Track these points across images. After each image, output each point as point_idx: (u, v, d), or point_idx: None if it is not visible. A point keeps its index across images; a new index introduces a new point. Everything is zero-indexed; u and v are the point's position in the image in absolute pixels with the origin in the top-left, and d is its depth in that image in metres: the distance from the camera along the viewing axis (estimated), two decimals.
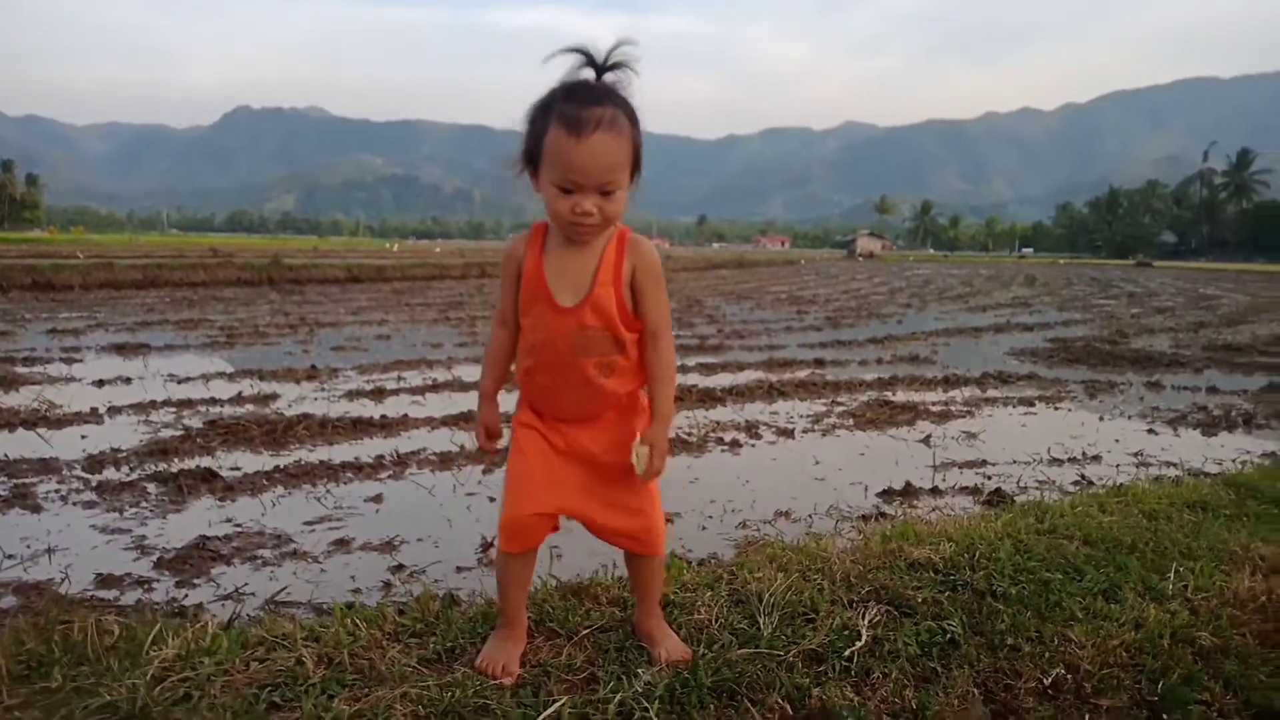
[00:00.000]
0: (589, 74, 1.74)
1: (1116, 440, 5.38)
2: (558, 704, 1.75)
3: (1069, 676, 2.00)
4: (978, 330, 12.41)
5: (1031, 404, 6.55)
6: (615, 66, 1.73)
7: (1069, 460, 4.82)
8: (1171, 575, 2.50)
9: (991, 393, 7.00)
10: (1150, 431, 5.68)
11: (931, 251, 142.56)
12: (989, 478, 4.42)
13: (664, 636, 2.04)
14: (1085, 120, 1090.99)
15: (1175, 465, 4.74)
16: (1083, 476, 4.46)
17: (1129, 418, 6.16)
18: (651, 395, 1.89)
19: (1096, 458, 4.89)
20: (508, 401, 2.02)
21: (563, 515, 1.94)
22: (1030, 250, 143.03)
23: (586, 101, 1.68)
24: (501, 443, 2.01)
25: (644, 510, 1.93)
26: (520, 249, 1.87)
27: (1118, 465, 4.73)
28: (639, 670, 1.91)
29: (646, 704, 1.77)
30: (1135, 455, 4.99)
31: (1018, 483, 4.32)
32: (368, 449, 4.68)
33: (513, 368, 2.00)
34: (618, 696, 1.79)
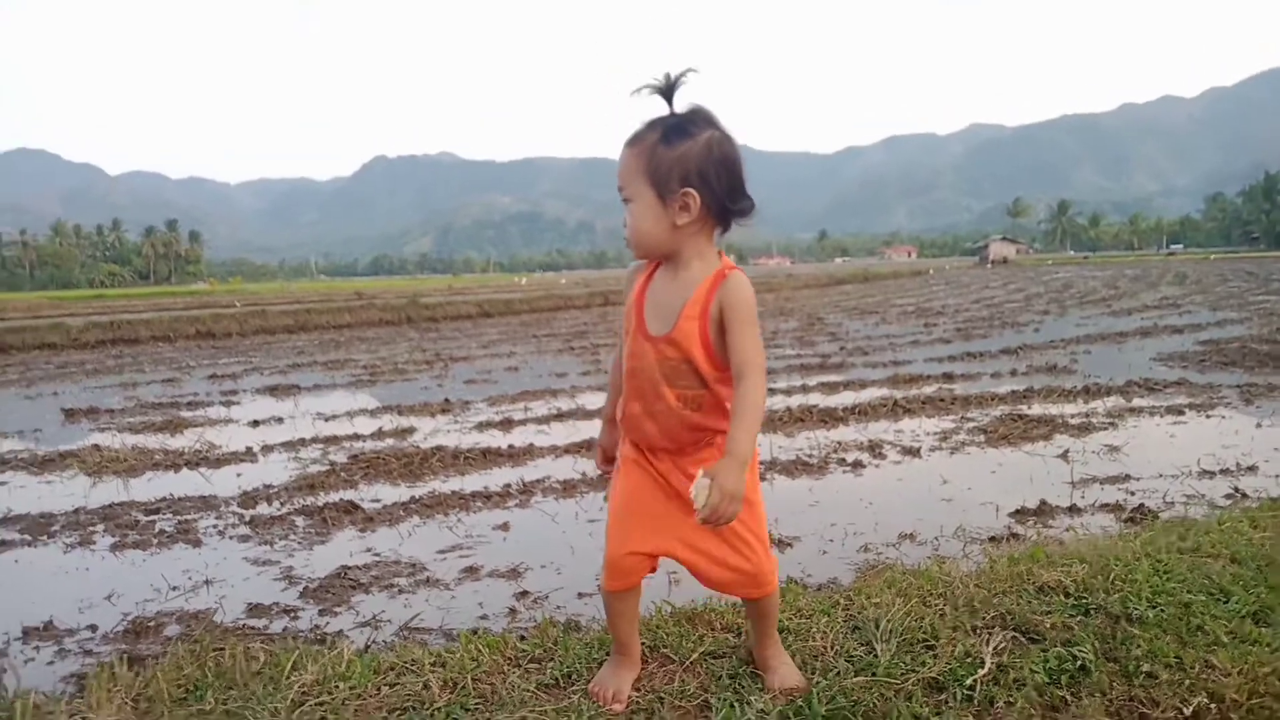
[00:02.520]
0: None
1: (1276, 449, 4.96)
2: None
3: (1212, 706, 1.87)
4: (1122, 335, 11.71)
5: (1181, 412, 6.13)
6: (675, 87, 1.77)
7: (1221, 472, 4.49)
8: None
9: (1137, 402, 6.59)
10: None
11: (1071, 253, 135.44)
12: (1132, 494, 4.17)
13: (780, 664, 2.03)
14: (1233, 103, 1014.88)
15: None
16: (1236, 489, 4.15)
17: None
18: (730, 431, 1.75)
19: (1252, 468, 4.53)
20: None
21: (663, 555, 1.94)
22: (1179, 246, 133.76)
23: (642, 126, 1.80)
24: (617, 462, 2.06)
25: (744, 554, 1.90)
26: (634, 275, 1.93)
27: (1276, 476, 4.37)
28: (752, 698, 1.91)
29: None
30: None
31: (1164, 498, 4.06)
32: (496, 478, 4.85)
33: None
34: None
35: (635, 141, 1.78)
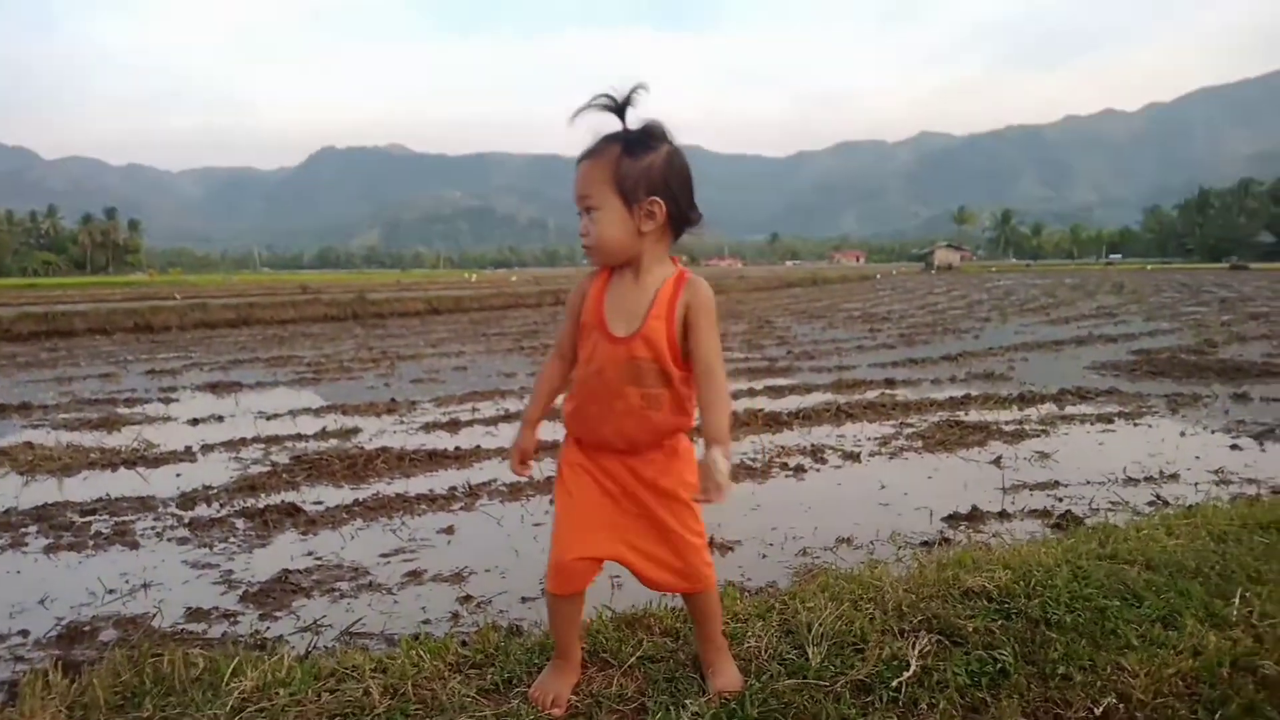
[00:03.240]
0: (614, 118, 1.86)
1: (1197, 457, 5.20)
2: None
3: (1120, 706, 1.98)
4: (1058, 344, 12.09)
5: (1110, 421, 6.37)
6: (629, 104, 1.85)
7: (1145, 480, 4.69)
8: (1236, 601, 2.43)
9: (1069, 410, 6.83)
10: (1234, 447, 5.48)
11: (1014, 261, 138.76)
12: (1060, 500, 4.34)
13: (722, 666, 2.09)
14: (1172, 119, 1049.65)
15: (1257, 483, 4.57)
16: (1158, 496, 4.34)
17: (1212, 432, 5.95)
18: (705, 423, 1.88)
19: (1174, 476, 4.75)
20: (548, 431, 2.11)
21: (608, 560, 2.00)
22: (1118, 256, 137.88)
23: (598, 141, 1.88)
24: (532, 470, 2.12)
25: (685, 553, 1.98)
26: (586, 283, 1.99)
27: (1196, 484, 4.58)
28: (687, 701, 1.97)
29: None
30: (1216, 473, 4.82)
31: (1090, 504, 4.23)
32: (442, 481, 4.85)
33: (558, 402, 2.10)
34: None
35: (595, 155, 1.86)
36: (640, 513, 1.97)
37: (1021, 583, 2.55)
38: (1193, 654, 2.13)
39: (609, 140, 1.86)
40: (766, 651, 2.20)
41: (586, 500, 1.97)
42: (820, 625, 2.28)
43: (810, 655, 2.15)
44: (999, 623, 2.33)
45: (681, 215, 1.90)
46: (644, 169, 1.83)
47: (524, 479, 2.12)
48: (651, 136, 1.86)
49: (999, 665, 2.12)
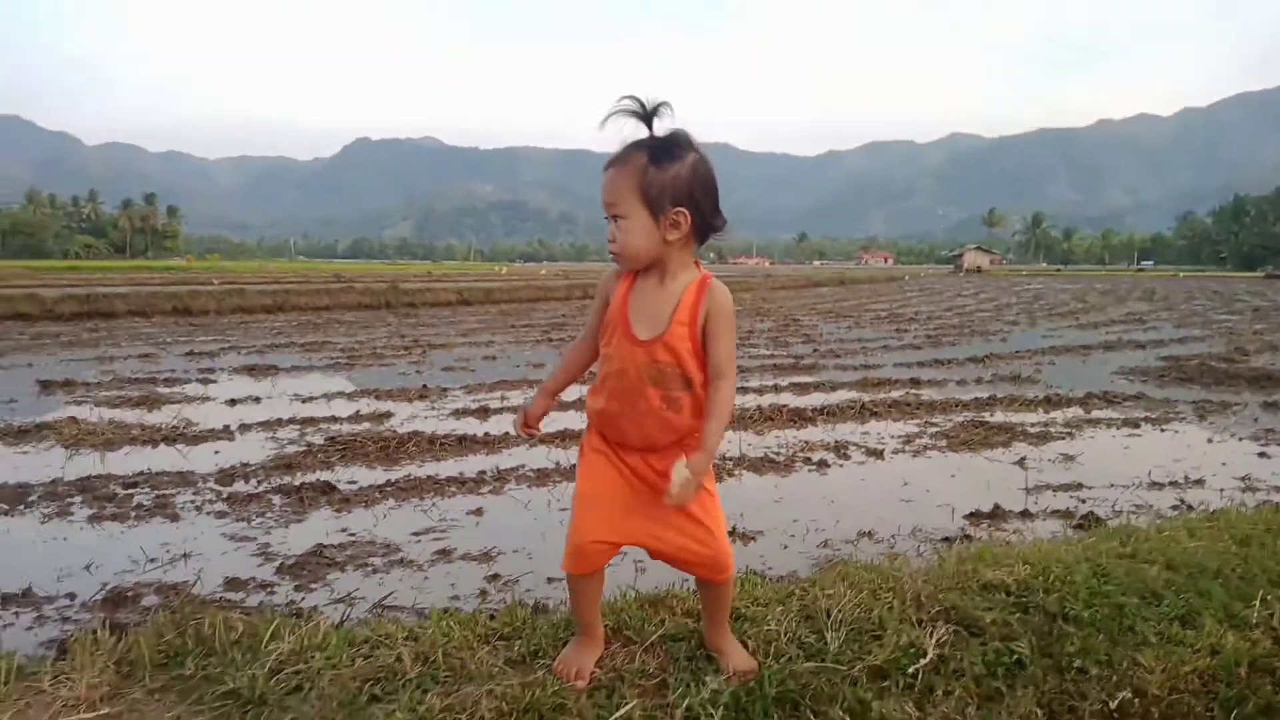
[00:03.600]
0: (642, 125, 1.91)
1: (1223, 464, 5.18)
2: (629, 706, 1.90)
3: (1136, 701, 2.02)
4: (1087, 348, 11.98)
5: (1137, 425, 6.34)
6: (657, 115, 1.90)
7: (1170, 484, 4.69)
8: (1257, 603, 2.45)
9: (1095, 414, 6.81)
10: (1262, 454, 5.45)
11: (1044, 266, 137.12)
12: (1083, 501, 4.35)
13: (731, 650, 2.16)
14: (1207, 124, 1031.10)
15: None
16: (1182, 501, 4.34)
17: (1240, 440, 5.91)
18: (704, 428, 1.94)
19: (1199, 481, 4.74)
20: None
21: (626, 545, 2.07)
22: (1150, 263, 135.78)
23: (624, 148, 1.91)
24: (537, 433, 2.21)
25: (706, 540, 2.03)
26: (613, 280, 2.04)
27: (1221, 490, 4.57)
28: (707, 678, 2.03)
29: (712, 710, 1.89)
30: (1242, 479, 4.80)
31: (1113, 507, 4.24)
32: (471, 465, 4.95)
33: (582, 396, 2.17)
34: (685, 702, 1.92)
35: (622, 163, 1.89)
36: (649, 508, 2.01)
37: (1040, 578, 2.58)
38: (1210, 653, 2.16)
39: (635, 148, 1.89)
40: (785, 635, 2.25)
41: (607, 486, 2.03)
42: (839, 612, 2.33)
43: (829, 640, 2.20)
44: (1016, 616, 2.36)
45: (706, 223, 1.94)
46: (670, 179, 1.86)
47: (530, 436, 2.19)
48: (677, 145, 1.88)
49: (1015, 657, 2.16)
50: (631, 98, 1.88)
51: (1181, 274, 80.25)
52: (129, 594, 3.03)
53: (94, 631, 2.23)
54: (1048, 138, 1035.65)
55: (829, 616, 2.31)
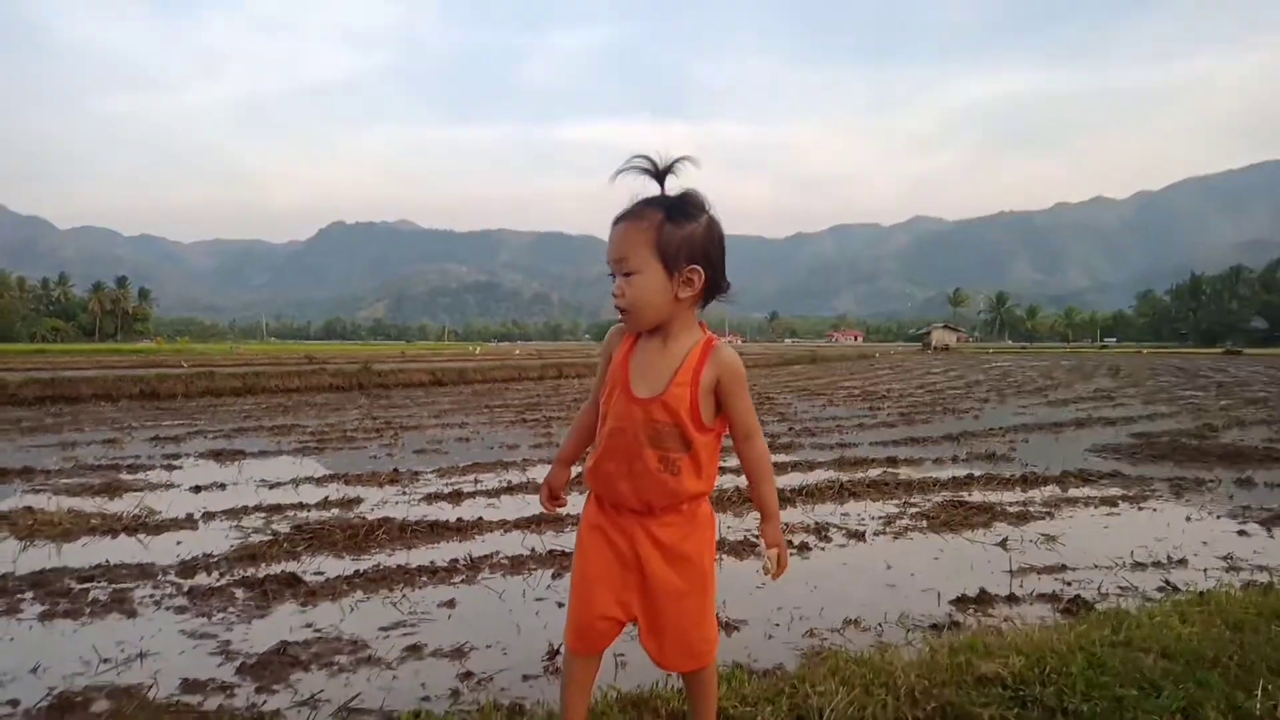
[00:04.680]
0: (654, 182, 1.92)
1: (1204, 542, 5.15)
2: None
3: None
4: (1058, 425, 12.06)
5: (1114, 504, 6.32)
6: (669, 173, 1.90)
7: (1153, 564, 4.63)
8: (1259, 694, 2.39)
9: (1073, 492, 6.79)
10: (1241, 533, 5.42)
11: (1010, 343, 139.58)
12: (1068, 584, 4.28)
13: None
14: (1160, 207, 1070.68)
15: (1268, 570, 4.51)
16: (1167, 582, 4.28)
17: (1218, 517, 5.90)
18: (757, 495, 2.03)
19: (1183, 561, 4.69)
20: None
21: (629, 620, 1.99)
22: (1113, 340, 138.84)
23: (636, 204, 1.91)
24: (561, 509, 2.14)
25: (686, 626, 1.96)
26: (616, 338, 2.02)
27: (1205, 570, 4.53)
28: None
29: None
30: (1225, 558, 4.76)
31: (1099, 589, 4.17)
32: (443, 553, 4.80)
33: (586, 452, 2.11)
34: None
35: (636, 218, 1.88)
36: (642, 583, 1.95)
37: (1036, 669, 2.51)
38: None
39: (649, 205, 1.89)
40: None
41: (604, 560, 1.97)
42: (832, 711, 2.24)
43: None
44: (1015, 711, 2.28)
45: (715, 284, 1.95)
46: (686, 236, 1.87)
47: (552, 513, 2.13)
48: (692, 204, 1.90)
49: None
50: (644, 157, 1.89)
51: (1145, 350, 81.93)
52: (78, 699, 2.84)
53: None
54: (1008, 220, 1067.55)
55: (821, 716, 2.22)
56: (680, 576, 1.95)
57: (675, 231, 1.87)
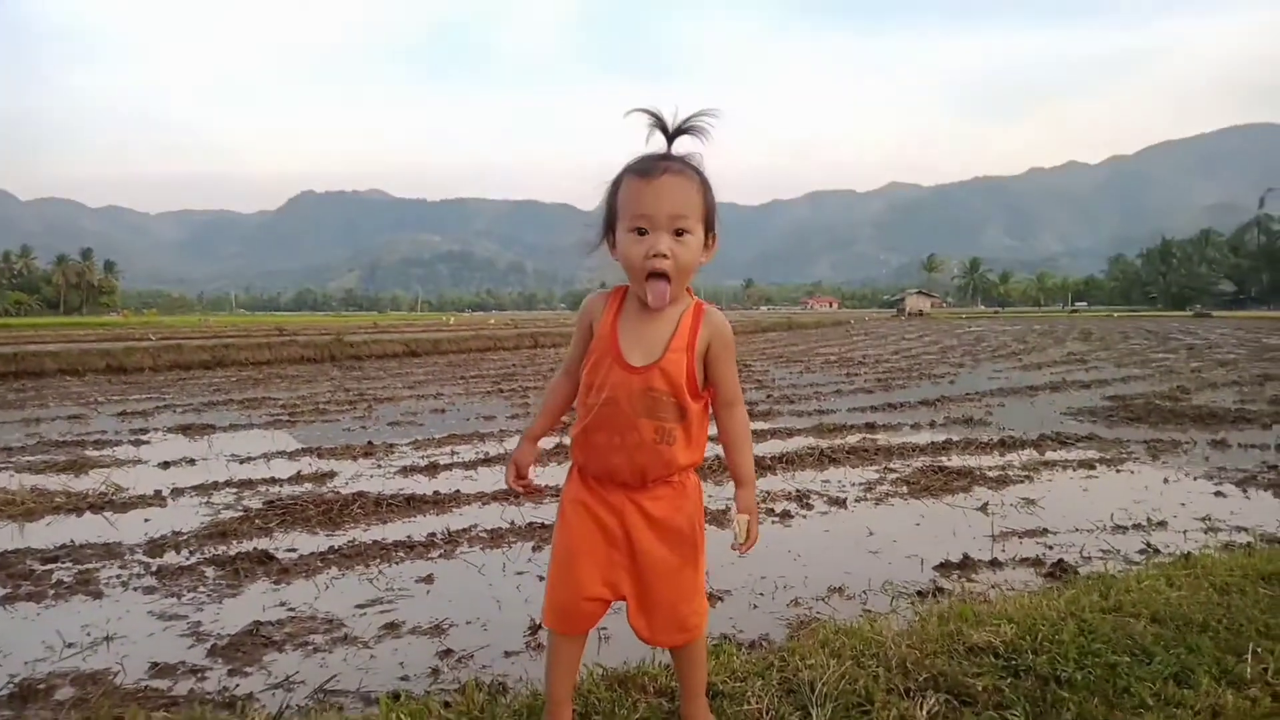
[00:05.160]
0: (659, 139, 1.81)
1: (1182, 504, 5.17)
2: None
3: None
4: (1033, 389, 12.13)
5: (1092, 466, 6.35)
6: (686, 131, 1.79)
7: (1134, 527, 4.64)
8: (1249, 657, 2.37)
9: (1050, 455, 6.81)
10: (1218, 494, 5.46)
11: (983, 308, 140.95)
12: (1050, 548, 4.27)
13: None
14: (1133, 172, 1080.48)
15: (1246, 531, 4.53)
16: (1149, 544, 4.29)
17: (1194, 479, 5.93)
18: (734, 462, 1.96)
19: (1162, 523, 4.70)
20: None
21: (616, 600, 1.91)
22: (1084, 304, 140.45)
23: (656, 158, 1.79)
24: (531, 482, 2.02)
25: (676, 600, 1.90)
26: (598, 305, 1.90)
27: (1184, 531, 4.54)
28: None
29: None
30: (1203, 520, 4.78)
31: (1081, 552, 4.17)
32: (420, 527, 4.71)
33: (567, 440, 2.01)
34: None
35: (682, 174, 1.77)
36: (631, 560, 1.88)
37: (1028, 638, 2.47)
38: (1211, 714, 2.06)
39: (687, 164, 1.79)
40: (768, 713, 2.10)
41: (590, 537, 1.88)
42: (823, 684, 2.19)
43: (814, 717, 2.05)
44: (1008, 681, 2.24)
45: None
46: (713, 204, 1.82)
47: (519, 493, 2.00)
48: (700, 170, 1.82)
49: None
50: (655, 112, 1.79)
51: (1115, 314, 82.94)
52: (40, 686, 2.73)
53: None
54: (982, 186, 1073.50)
55: (813, 690, 2.16)
56: (672, 550, 1.87)
57: (710, 198, 1.81)
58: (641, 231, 1.75)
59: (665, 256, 1.74)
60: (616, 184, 1.82)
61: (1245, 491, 5.52)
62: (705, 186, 1.80)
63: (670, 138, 1.79)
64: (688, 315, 1.85)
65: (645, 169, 1.76)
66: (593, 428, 1.86)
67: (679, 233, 1.75)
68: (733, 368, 1.92)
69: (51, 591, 3.68)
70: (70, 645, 3.11)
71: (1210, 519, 4.81)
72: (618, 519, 1.87)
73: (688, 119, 1.78)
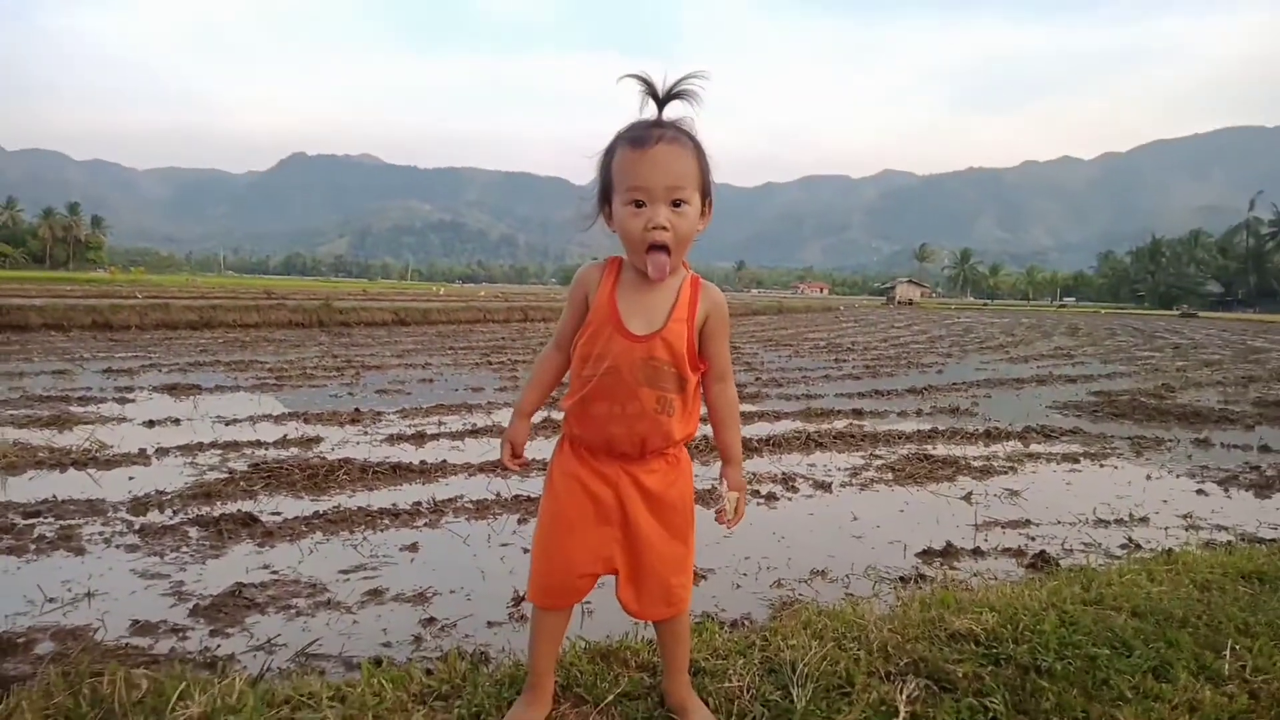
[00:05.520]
0: (651, 106, 1.76)
1: (1164, 501, 5.22)
2: None
3: None
4: (1020, 382, 12.19)
5: (1076, 460, 6.39)
6: (677, 96, 1.75)
7: (1115, 521, 4.68)
8: (1228, 654, 2.39)
9: (1035, 448, 6.85)
10: (1200, 492, 5.51)
11: (972, 300, 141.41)
12: (1033, 539, 4.31)
13: (694, 708, 2.00)
14: (1125, 169, 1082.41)
15: (1227, 529, 4.58)
16: (1130, 539, 4.33)
17: (1177, 476, 5.98)
18: (724, 440, 1.97)
19: (1144, 519, 4.75)
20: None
21: (606, 574, 1.91)
22: (1072, 299, 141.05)
23: (649, 125, 1.75)
24: (525, 461, 2.00)
25: (664, 572, 1.90)
26: (594, 275, 1.85)
27: (1166, 528, 4.58)
28: None
29: None
30: (1185, 517, 4.83)
31: (1063, 545, 4.20)
32: (406, 495, 4.70)
33: (559, 415, 1.99)
34: None
35: (677, 142, 1.73)
36: (624, 533, 1.87)
37: (1009, 626, 2.48)
38: (1189, 709, 2.08)
39: (681, 130, 1.75)
40: (749, 692, 2.11)
41: (581, 510, 1.87)
42: (804, 665, 2.19)
43: (795, 697, 2.06)
44: (988, 668, 2.25)
45: None
46: (709, 168, 1.79)
47: (515, 471, 1.97)
48: (694, 136, 1.79)
49: (990, 714, 2.05)
50: (646, 79, 1.73)
51: (1103, 311, 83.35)
52: (20, 641, 2.72)
53: None
54: (977, 176, 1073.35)
55: (794, 670, 2.17)
56: (665, 524, 1.87)
57: (706, 165, 1.77)
58: (639, 204, 1.72)
59: (665, 229, 1.72)
60: (610, 153, 1.78)
61: (1227, 490, 5.57)
62: (700, 153, 1.76)
63: (661, 103, 1.74)
64: (686, 286, 1.84)
65: (639, 137, 1.72)
66: (591, 397, 1.83)
67: (676, 203, 1.73)
68: (727, 343, 1.91)
69: (33, 546, 3.66)
70: (51, 600, 3.09)
71: (1192, 516, 4.85)
72: (612, 490, 1.86)
73: (678, 82, 1.73)
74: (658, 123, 1.74)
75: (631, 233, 1.74)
